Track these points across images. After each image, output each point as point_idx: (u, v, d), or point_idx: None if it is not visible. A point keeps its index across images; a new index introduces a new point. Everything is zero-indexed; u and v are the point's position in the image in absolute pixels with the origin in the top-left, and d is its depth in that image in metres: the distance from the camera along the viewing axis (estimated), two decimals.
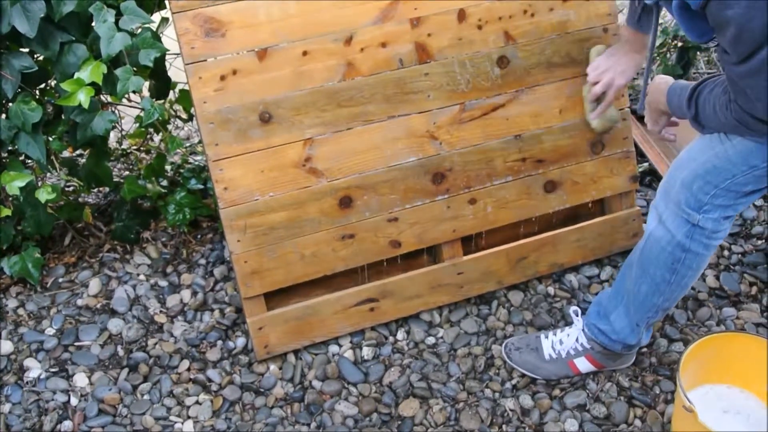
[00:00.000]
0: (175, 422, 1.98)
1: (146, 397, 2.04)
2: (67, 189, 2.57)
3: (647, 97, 1.78)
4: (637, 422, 1.92)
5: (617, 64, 2.00)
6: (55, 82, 2.15)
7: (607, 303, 1.92)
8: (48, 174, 2.51)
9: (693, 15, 1.31)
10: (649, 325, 1.88)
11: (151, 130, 2.53)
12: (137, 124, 2.50)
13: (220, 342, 2.16)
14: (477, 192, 2.13)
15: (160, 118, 2.12)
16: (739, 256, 2.31)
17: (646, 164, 2.60)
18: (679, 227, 1.70)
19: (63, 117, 2.15)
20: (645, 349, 2.07)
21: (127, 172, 2.64)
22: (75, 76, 1.99)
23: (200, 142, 2.84)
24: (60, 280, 2.38)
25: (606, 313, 1.91)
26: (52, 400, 2.04)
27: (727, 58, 1.38)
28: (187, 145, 2.83)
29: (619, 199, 2.27)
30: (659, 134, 1.80)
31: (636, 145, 2.53)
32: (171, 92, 2.36)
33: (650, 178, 2.60)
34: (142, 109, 2.16)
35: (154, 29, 2.14)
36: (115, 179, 2.50)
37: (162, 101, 2.31)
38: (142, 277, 2.37)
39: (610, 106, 2.06)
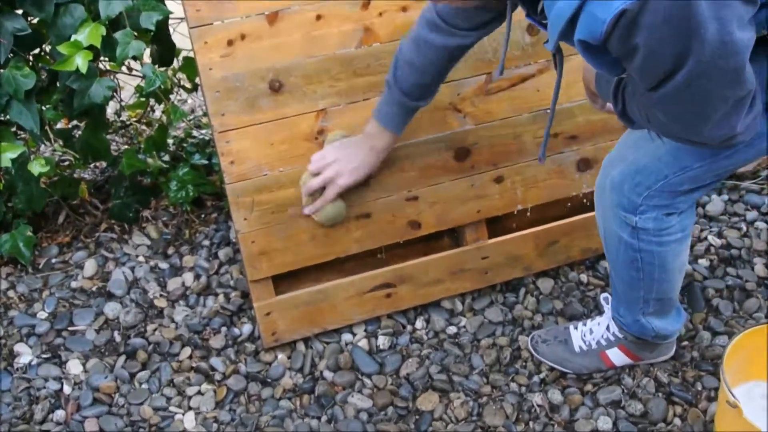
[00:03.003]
0: (176, 413, 1.99)
1: (144, 386, 2.06)
2: (61, 163, 2.59)
3: (583, 74, 1.72)
4: (677, 421, 1.91)
5: (348, 161, 1.90)
6: (50, 47, 2.17)
7: (612, 297, 1.95)
8: (42, 146, 2.53)
9: (598, 51, 1.28)
10: (654, 314, 1.87)
11: (152, 101, 2.55)
12: (137, 95, 2.52)
13: (224, 328, 2.17)
14: (504, 170, 2.13)
15: (162, 87, 2.13)
16: None
17: None
18: (621, 229, 1.72)
19: (58, 84, 2.16)
20: (686, 343, 2.06)
21: (126, 147, 2.65)
22: (72, 38, 2.00)
23: (205, 114, 2.85)
24: (53, 260, 2.40)
25: (616, 306, 1.92)
26: (44, 388, 2.06)
27: (639, 86, 1.35)
28: (191, 118, 2.84)
29: None
30: (605, 110, 1.75)
31: None
32: (174, 60, 2.37)
33: None
34: (143, 77, 2.17)
35: None
36: (113, 154, 2.51)
37: (165, 69, 2.31)
38: (141, 258, 2.39)
39: (327, 203, 1.96)
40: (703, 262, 2.27)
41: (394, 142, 1.93)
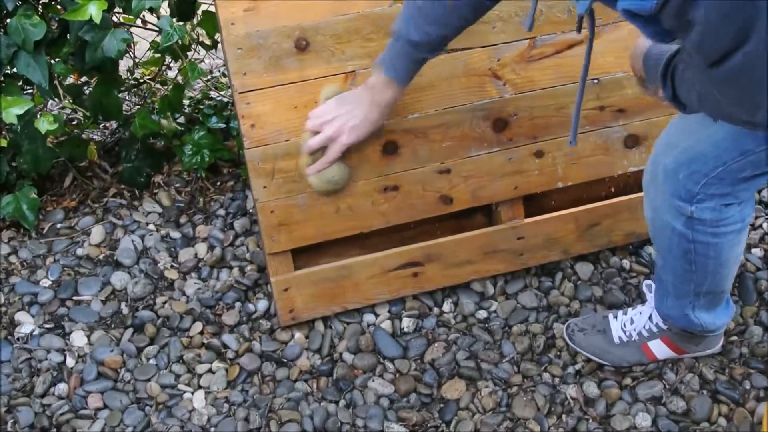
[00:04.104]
0: (184, 391, 2.00)
1: (152, 361, 2.07)
2: (70, 122, 2.59)
3: (630, 60, 1.68)
4: (722, 420, 1.89)
5: (349, 117, 1.86)
6: None
7: (657, 288, 1.92)
8: (50, 103, 2.53)
9: (646, 20, 1.23)
10: (703, 307, 1.85)
11: (168, 58, 2.54)
12: (152, 51, 2.51)
13: (238, 304, 2.17)
14: (545, 143, 2.10)
15: (180, 42, 2.12)
16: None
17: None
18: (675, 218, 1.70)
19: (69, 36, 2.16)
20: (735, 338, 2.04)
21: (138, 107, 2.65)
22: None
23: (224, 75, 2.84)
24: (58, 225, 2.41)
25: (662, 297, 1.90)
26: (46, 359, 2.07)
27: (695, 59, 1.32)
28: (209, 78, 2.84)
29: None
30: (657, 97, 1.69)
31: None
32: (194, 14, 2.36)
33: None
34: (159, 32, 2.16)
35: None
36: (125, 114, 2.51)
37: (183, 23, 2.30)
38: (151, 226, 2.39)
39: (330, 165, 1.92)
40: (757, 251, 2.24)
41: (400, 97, 1.87)
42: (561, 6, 2.03)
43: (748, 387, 1.95)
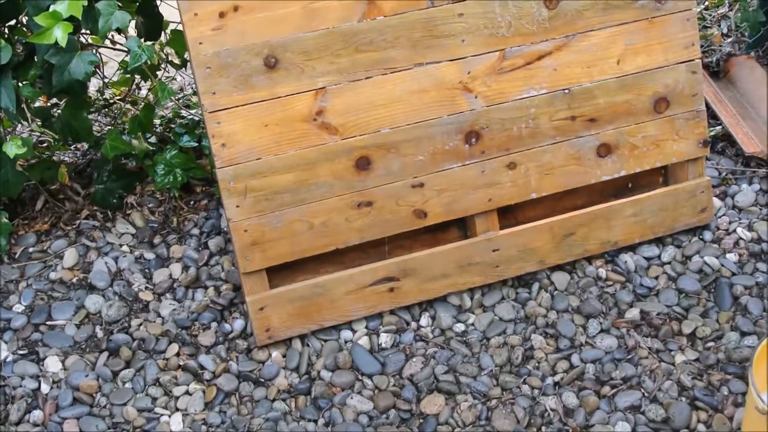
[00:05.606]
0: (162, 414, 2.00)
1: (128, 385, 2.06)
2: (40, 145, 2.59)
3: None
4: (701, 427, 1.91)
5: None
6: (26, 18, 2.16)
7: None
8: (18, 126, 2.53)
9: None
10: None
11: (137, 78, 2.54)
12: (121, 71, 2.51)
13: (214, 324, 2.17)
14: (517, 155, 2.12)
15: (149, 62, 2.12)
16: None
17: (718, 128, 2.58)
18: None
19: (36, 59, 2.16)
20: (712, 344, 2.06)
21: (109, 128, 2.65)
22: (50, 9, 1.99)
23: (194, 93, 2.85)
24: (30, 249, 2.41)
25: None
26: (20, 386, 2.07)
27: None
28: (180, 96, 2.84)
29: (686, 167, 2.25)
30: None
31: (707, 105, 2.50)
32: (162, 33, 2.36)
33: (723, 144, 2.57)
34: (128, 52, 2.16)
35: None
36: (96, 135, 2.51)
37: (151, 43, 2.31)
38: (125, 248, 2.39)
39: None
40: (732, 256, 2.26)
41: None
42: (530, 18, 2.05)
43: (726, 393, 1.97)
